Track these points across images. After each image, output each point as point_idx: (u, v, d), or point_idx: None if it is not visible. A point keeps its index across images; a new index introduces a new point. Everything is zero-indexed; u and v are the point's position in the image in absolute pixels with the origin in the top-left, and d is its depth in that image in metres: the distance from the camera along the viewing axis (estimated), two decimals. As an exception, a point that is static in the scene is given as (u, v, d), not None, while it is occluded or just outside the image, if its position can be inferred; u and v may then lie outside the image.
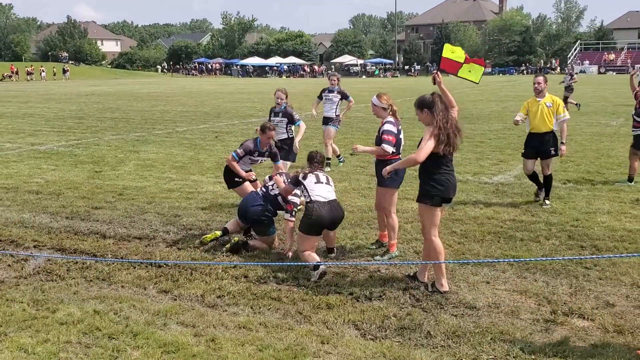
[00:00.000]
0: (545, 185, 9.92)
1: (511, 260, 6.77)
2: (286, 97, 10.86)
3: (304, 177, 7.34)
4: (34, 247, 8.07)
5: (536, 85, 9.80)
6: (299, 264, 6.91)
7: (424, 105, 6.27)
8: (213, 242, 7.88)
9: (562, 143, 9.80)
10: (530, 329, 5.47)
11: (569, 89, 27.00)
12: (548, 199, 9.85)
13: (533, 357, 4.95)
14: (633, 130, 11.47)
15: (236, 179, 8.90)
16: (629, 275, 6.67)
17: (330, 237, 7.56)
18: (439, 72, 7.08)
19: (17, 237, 8.40)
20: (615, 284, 6.47)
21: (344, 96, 13.85)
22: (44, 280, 6.80)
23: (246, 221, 8.01)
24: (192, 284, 6.59)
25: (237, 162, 8.79)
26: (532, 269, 6.92)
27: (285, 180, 7.90)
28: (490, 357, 4.98)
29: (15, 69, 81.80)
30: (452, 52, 7.36)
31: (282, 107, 10.81)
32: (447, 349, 5.13)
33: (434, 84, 7.01)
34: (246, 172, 8.91)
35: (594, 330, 5.43)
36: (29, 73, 78.89)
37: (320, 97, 14.16)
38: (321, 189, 7.25)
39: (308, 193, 7.21)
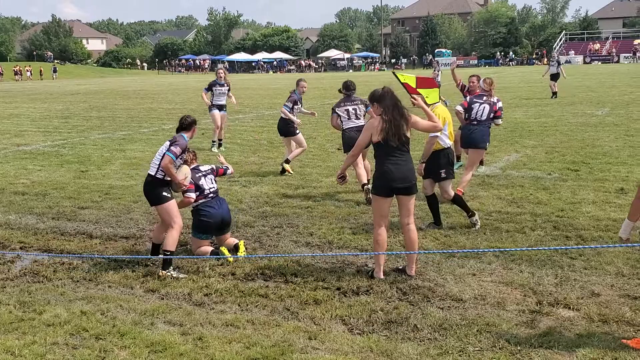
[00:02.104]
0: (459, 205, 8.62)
1: (495, 250, 6.81)
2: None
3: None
4: (21, 248, 8.04)
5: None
6: (288, 255, 6.92)
7: (373, 99, 6.60)
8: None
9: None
10: (516, 320, 5.51)
11: (555, 76, 27.77)
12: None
13: (519, 348, 4.99)
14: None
15: (164, 194, 7.05)
16: (614, 265, 6.72)
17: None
18: (413, 96, 7.13)
19: (3, 239, 8.37)
20: (601, 274, 6.52)
21: (229, 87, 16.52)
22: (31, 282, 6.78)
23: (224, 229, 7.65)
24: (179, 283, 6.59)
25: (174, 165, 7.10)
26: (518, 260, 6.97)
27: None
28: (477, 349, 5.02)
29: (1, 70, 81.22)
30: (404, 78, 7.56)
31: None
32: (434, 341, 5.16)
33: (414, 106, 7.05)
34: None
35: (580, 320, 5.47)
36: (16, 73, 78.31)
37: (209, 89, 16.29)
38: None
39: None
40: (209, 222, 7.39)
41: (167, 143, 7.12)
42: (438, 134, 7.66)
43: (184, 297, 6.25)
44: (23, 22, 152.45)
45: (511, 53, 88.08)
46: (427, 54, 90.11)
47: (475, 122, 9.75)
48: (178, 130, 7.25)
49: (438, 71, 28.46)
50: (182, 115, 7.40)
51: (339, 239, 8.03)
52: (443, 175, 8.25)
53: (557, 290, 6.14)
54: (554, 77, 27.84)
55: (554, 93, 27.33)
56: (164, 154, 6.97)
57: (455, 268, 6.82)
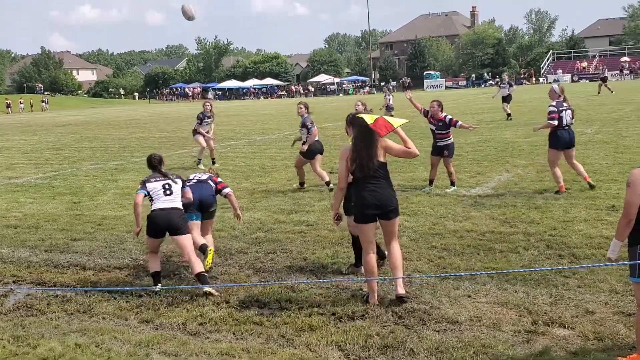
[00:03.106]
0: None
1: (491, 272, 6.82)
2: (306, 109, 13.26)
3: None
4: (14, 282, 8.00)
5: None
6: (283, 282, 6.91)
7: (347, 122, 6.89)
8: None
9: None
10: (512, 340, 5.51)
11: (507, 98, 28.31)
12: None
13: (515, 368, 4.98)
14: (439, 141, 12.24)
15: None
16: (607, 282, 6.74)
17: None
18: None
19: (-4, 273, 8.32)
20: (594, 292, 6.53)
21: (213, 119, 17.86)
22: (24, 316, 6.74)
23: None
24: (174, 313, 6.57)
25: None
26: (512, 280, 6.97)
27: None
28: (473, 371, 5.01)
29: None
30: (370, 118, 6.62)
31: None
32: (431, 365, 5.15)
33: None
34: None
35: (575, 339, 5.47)
36: (8, 106, 78.37)
37: (201, 122, 17.46)
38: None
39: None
40: (187, 203, 7.71)
41: (180, 181, 7.59)
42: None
43: (178, 326, 6.22)
44: (13, 55, 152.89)
45: (485, 74, 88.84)
46: (405, 78, 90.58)
47: (566, 127, 11.39)
48: (156, 168, 7.60)
49: (389, 96, 29.72)
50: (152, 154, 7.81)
51: (333, 263, 8.03)
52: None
53: (552, 309, 6.14)
54: (506, 99, 28.31)
55: (508, 115, 27.59)
56: (184, 189, 7.62)
57: (450, 290, 6.82)
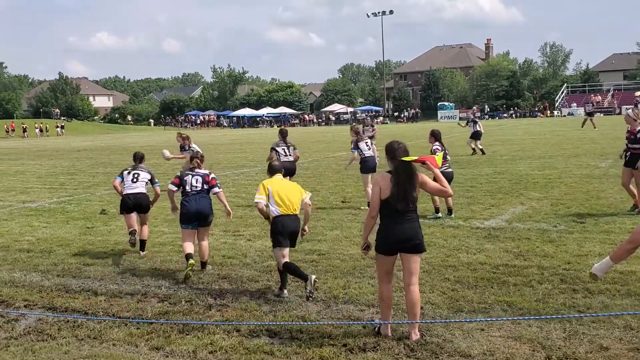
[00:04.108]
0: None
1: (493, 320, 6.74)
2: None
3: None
4: (25, 306, 8.00)
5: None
6: (289, 324, 6.87)
7: (386, 153, 6.52)
8: (193, 271, 8.80)
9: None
10: (525, 375, 5.43)
11: (476, 134, 27.25)
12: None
13: (529, 404, 4.90)
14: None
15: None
16: (622, 318, 6.64)
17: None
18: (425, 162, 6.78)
19: (8, 297, 8.34)
20: (609, 327, 6.45)
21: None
22: (35, 341, 6.73)
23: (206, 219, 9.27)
24: (184, 340, 6.54)
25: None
26: (526, 314, 6.90)
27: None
28: (486, 406, 4.93)
29: (13, 126, 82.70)
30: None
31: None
32: (442, 399, 5.08)
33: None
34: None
35: (590, 375, 5.39)
36: (24, 130, 79.31)
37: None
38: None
39: None
40: (185, 213, 9.07)
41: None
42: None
43: (188, 354, 6.19)
44: (30, 80, 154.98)
45: (474, 110, 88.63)
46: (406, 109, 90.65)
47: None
48: (141, 160, 10.99)
49: (369, 125, 28.77)
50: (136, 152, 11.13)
51: (345, 293, 7.98)
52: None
53: (566, 344, 6.06)
54: (474, 135, 27.22)
55: (481, 150, 26.77)
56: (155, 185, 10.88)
57: (463, 323, 6.75)
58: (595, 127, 41.17)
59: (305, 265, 9.37)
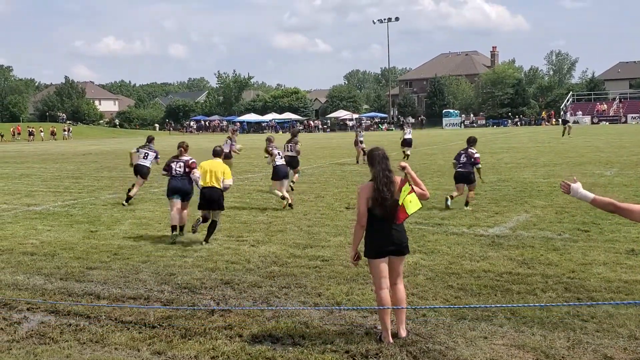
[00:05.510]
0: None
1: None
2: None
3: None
4: (28, 309, 8.00)
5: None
6: (290, 327, 6.84)
7: (367, 159, 6.71)
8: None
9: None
10: (528, 384, 5.40)
11: (406, 142, 29.39)
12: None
13: (532, 414, 4.88)
14: None
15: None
16: (626, 327, 6.62)
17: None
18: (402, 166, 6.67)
19: (11, 300, 8.33)
20: (613, 336, 6.41)
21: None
22: (37, 344, 6.73)
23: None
24: (186, 345, 6.53)
25: None
26: (530, 323, 6.87)
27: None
28: (489, 414, 4.91)
29: (19, 129, 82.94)
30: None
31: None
32: (445, 407, 5.05)
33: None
34: None
35: (593, 385, 5.36)
36: (30, 134, 79.50)
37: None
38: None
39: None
40: (171, 188, 12.28)
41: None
42: None
43: (190, 359, 6.17)
44: (36, 84, 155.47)
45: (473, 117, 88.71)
46: (405, 117, 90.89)
47: None
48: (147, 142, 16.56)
49: (359, 130, 31.10)
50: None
51: (348, 299, 7.96)
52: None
53: (570, 353, 6.03)
54: (405, 142, 28.99)
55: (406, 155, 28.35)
56: (156, 159, 16.89)
57: (466, 331, 6.72)
58: (569, 134, 42.45)
59: (309, 271, 9.36)
